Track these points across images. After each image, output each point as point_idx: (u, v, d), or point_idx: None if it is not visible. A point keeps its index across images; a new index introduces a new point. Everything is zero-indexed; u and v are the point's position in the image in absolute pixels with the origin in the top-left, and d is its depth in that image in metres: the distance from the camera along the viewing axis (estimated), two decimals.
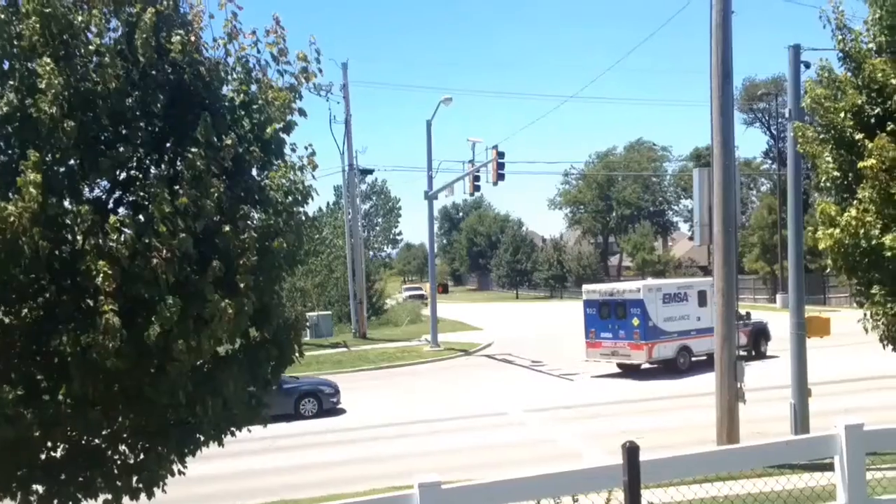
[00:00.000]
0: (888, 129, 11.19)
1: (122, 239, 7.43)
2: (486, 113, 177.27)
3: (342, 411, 25.02)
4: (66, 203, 7.62)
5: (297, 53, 8.95)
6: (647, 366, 29.89)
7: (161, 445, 8.41)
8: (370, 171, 53.48)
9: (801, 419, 16.28)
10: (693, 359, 29.76)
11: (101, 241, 7.41)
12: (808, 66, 15.68)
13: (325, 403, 24.78)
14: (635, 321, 29.24)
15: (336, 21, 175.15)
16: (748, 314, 30.76)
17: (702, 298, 30.18)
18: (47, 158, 7.42)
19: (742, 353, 31.52)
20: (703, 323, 29.26)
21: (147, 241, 7.45)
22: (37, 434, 7.75)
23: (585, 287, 32.85)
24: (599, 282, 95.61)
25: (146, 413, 8.15)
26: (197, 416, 8.32)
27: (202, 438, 8.68)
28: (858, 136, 11.59)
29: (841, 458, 7.19)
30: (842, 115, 11.94)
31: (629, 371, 30.19)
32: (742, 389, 15.77)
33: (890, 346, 12.67)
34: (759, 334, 32.27)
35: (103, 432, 8.25)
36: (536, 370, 32.09)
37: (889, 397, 21.01)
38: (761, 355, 31.33)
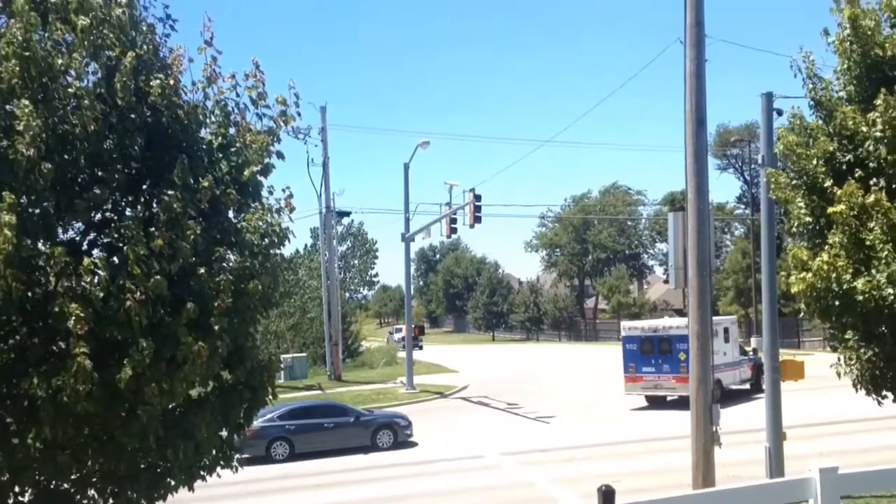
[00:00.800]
0: (857, 175, 11.38)
1: (96, 281, 7.39)
2: (463, 156, 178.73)
3: (414, 444, 25.78)
4: (41, 245, 7.57)
5: (276, 97, 9.04)
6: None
7: (131, 490, 8.30)
8: (347, 214, 53.54)
9: (775, 462, 16.28)
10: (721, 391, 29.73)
11: (74, 283, 7.37)
12: (780, 113, 15.94)
13: (399, 435, 25.98)
14: (682, 356, 29.46)
15: (315, 64, 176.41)
16: (754, 350, 32.51)
17: (726, 334, 32.00)
18: (23, 200, 7.39)
19: (747, 385, 32.31)
20: (727, 358, 31.38)
21: (121, 282, 7.41)
22: (5, 478, 7.62)
23: (625, 324, 34.65)
24: (575, 325, 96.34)
25: (116, 457, 8.04)
26: (168, 461, 8.22)
27: (173, 483, 8.57)
28: (829, 182, 11.76)
29: (815, 502, 7.21)
30: (813, 161, 12.12)
31: (657, 403, 31.58)
32: (718, 433, 15.76)
33: (863, 391, 12.75)
34: (762, 369, 32.91)
35: (72, 476, 8.13)
36: (512, 413, 31.96)
37: (863, 441, 21.10)
38: (761, 388, 31.83)
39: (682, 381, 29.08)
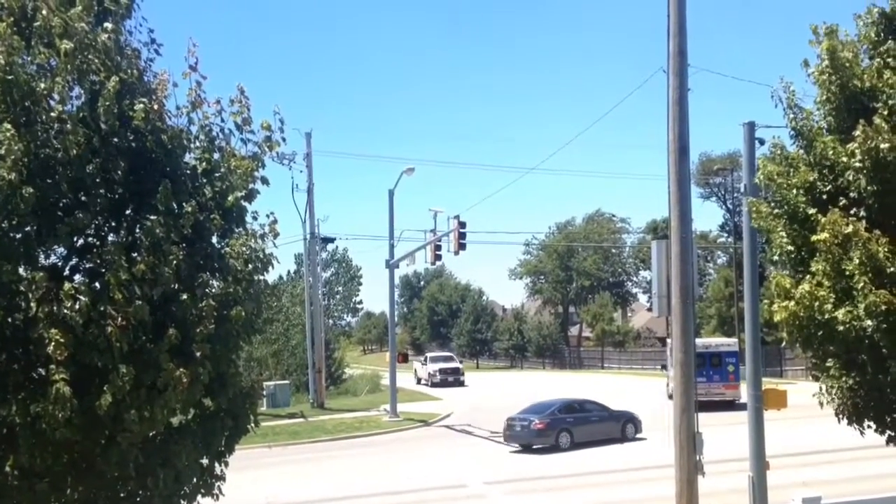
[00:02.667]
0: (840, 204, 11.45)
1: (77, 307, 7.32)
2: (448, 183, 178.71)
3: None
4: (22, 270, 7.51)
5: (261, 122, 9.04)
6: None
7: None
8: (332, 240, 53.40)
9: (759, 492, 16.24)
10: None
11: (54, 308, 7.30)
12: (762, 142, 16.05)
13: (638, 428, 29.85)
14: (731, 367, 39.91)
15: (301, 90, 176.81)
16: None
17: None
18: (4, 224, 7.34)
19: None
20: None
21: (102, 308, 7.35)
22: None
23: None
24: (559, 353, 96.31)
25: (96, 485, 7.95)
26: (148, 489, 8.12)
27: None
28: (811, 211, 11.84)
29: None
30: (794, 191, 12.19)
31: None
32: (701, 462, 15.75)
33: (845, 420, 12.76)
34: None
35: None
36: (496, 441, 31.78)
37: (847, 470, 21.13)
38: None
39: (731, 388, 39.51)
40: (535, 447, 28.44)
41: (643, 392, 47.82)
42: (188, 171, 8.58)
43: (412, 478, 24.30)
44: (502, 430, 29.81)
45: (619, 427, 29.54)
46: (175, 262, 7.80)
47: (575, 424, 28.73)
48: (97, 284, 7.67)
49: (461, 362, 61.28)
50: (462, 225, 38.00)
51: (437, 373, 58.21)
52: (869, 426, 12.71)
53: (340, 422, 39.00)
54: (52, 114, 7.74)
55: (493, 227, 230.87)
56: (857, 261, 10.81)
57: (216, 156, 8.79)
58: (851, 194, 11.61)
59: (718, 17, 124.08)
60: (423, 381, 59.98)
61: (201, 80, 8.72)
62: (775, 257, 12.76)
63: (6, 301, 7.29)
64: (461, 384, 56.76)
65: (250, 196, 8.84)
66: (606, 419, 29.83)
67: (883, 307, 10.50)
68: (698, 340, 40.36)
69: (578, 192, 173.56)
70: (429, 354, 66.25)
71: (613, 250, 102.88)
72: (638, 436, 29.65)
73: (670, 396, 32.94)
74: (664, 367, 43.29)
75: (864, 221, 11.08)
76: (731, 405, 37.62)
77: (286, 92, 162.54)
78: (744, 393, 33.00)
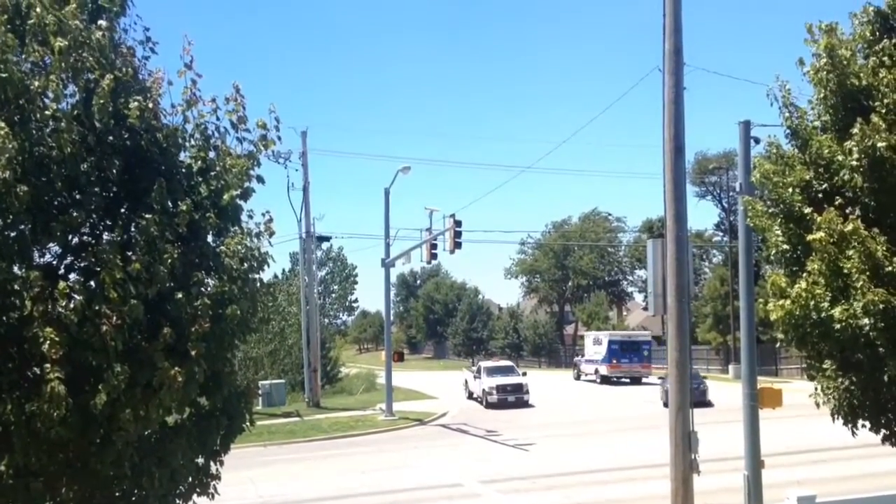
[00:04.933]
0: (836, 203, 11.46)
1: (72, 305, 7.30)
2: (444, 182, 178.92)
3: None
4: (16, 268, 7.48)
5: (257, 121, 9.02)
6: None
7: None
8: (327, 239, 53.41)
9: (754, 491, 16.25)
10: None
11: (49, 307, 7.28)
12: (757, 141, 16.07)
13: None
14: (646, 353, 58.69)
15: (296, 89, 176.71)
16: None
17: None
18: None
19: None
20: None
21: (97, 307, 7.33)
22: None
23: (612, 333, 63.87)
24: (555, 351, 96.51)
25: (90, 485, 7.92)
26: (143, 489, 8.09)
27: None
28: (807, 209, 11.84)
29: None
30: (790, 190, 12.20)
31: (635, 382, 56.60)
32: (696, 461, 15.74)
33: (841, 420, 12.76)
34: None
35: None
36: (491, 440, 31.81)
37: (842, 469, 21.16)
38: None
39: (646, 368, 58.25)
40: None
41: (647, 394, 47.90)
42: (183, 170, 8.56)
43: (407, 476, 24.28)
44: None
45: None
46: (170, 260, 7.78)
47: None
48: (92, 283, 7.63)
49: (524, 373, 47.64)
50: (458, 223, 37.99)
51: (493, 390, 43.51)
52: (864, 425, 12.71)
53: (336, 421, 38.98)
54: (47, 112, 7.71)
55: (489, 225, 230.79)
56: (856, 259, 10.82)
57: (211, 154, 8.76)
58: (847, 193, 11.62)
59: (714, 16, 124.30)
60: (476, 398, 46.16)
61: (196, 79, 8.70)
62: (771, 256, 12.77)
63: (0, 300, 7.26)
64: (526, 405, 42.83)
65: (246, 194, 8.82)
66: None
67: (881, 305, 10.51)
68: (623, 332, 65.63)
69: (574, 190, 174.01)
70: (483, 364, 48.96)
71: (609, 249, 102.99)
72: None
73: (666, 405, 34.21)
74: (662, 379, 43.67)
75: (859, 220, 11.08)
76: (640, 381, 56.64)
77: (282, 90, 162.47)
78: (654, 373, 53.34)
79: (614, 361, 57.41)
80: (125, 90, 8.11)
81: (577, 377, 64.10)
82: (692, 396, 15.77)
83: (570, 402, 46.00)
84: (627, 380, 58.12)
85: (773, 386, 17.88)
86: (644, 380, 57.16)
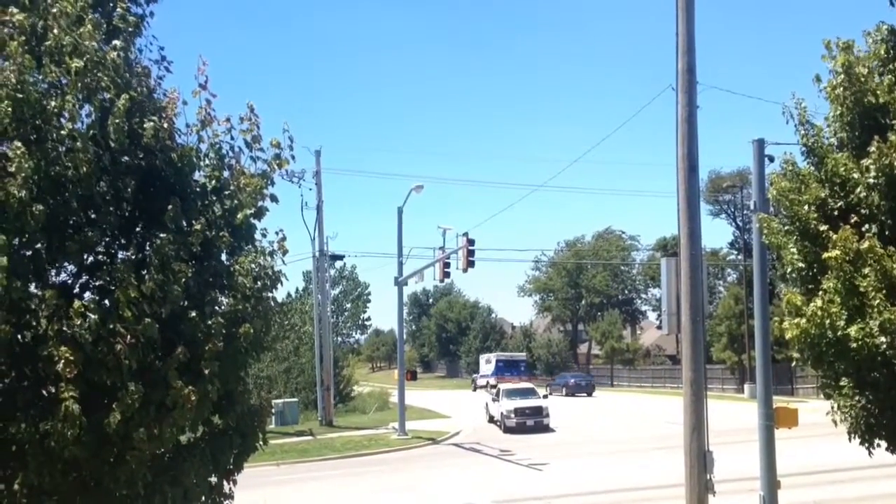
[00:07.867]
0: (852, 221, 11.39)
1: (86, 324, 7.31)
2: (457, 201, 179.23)
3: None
4: (32, 287, 7.51)
5: (271, 140, 9.04)
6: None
7: None
8: (341, 257, 53.45)
9: None
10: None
11: (64, 326, 7.30)
12: (772, 159, 16.02)
13: None
14: (522, 368, 79.87)
15: (310, 108, 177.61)
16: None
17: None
18: (14, 242, 7.34)
19: None
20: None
21: (111, 326, 7.34)
22: None
23: (498, 354, 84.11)
24: (569, 369, 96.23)
25: (104, 503, 7.90)
26: None
27: None
28: (823, 227, 11.77)
29: None
30: (805, 207, 12.14)
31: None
32: (712, 481, 15.61)
33: (857, 439, 12.63)
34: None
35: None
36: (505, 459, 31.63)
37: (859, 489, 20.92)
38: None
39: (525, 380, 62.51)
40: None
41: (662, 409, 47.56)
42: (198, 189, 8.59)
43: (420, 496, 24.17)
44: None
45: None
46: (184, 279, 7.79)
47: None
48: (106, 302, 7.65)
49: (545, 395, 46.05)
50: (471, 242, 38.01)
51: (511, 413, 41.27)
52: (879, 445, 12.58)
53: (349, 439, 38.90)
54: (63, 132, 7.75)
55: (503, 244, 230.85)
56: (872, 277, 10.74)
57: (226, 174, 8.80)
58: (863, 211, 11.55)
59: (728, 33, 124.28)
60: (496, 422, 43.64)
61: (211, 99, 8.73)
62: (786, 274, 12.69)
63: (16, 318, 7.28)
64: (546, 429, 40.79)
65: (259, 213, 8.84)
66: None
67: None
68: (506, 353, 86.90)
69: (588, 209, 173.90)
70: (502, 387, 46.22)
71: (623, 267, 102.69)
72: None
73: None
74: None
75: (875, 238, 11.01)
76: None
77: (296, 110, 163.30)
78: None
79: (500, 375, 74.47)
80: (140, 110, 8.16)
81: (475, 389, 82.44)
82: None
83: (587, 420, 45.77)
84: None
85: (788, 405, 17.73)
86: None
